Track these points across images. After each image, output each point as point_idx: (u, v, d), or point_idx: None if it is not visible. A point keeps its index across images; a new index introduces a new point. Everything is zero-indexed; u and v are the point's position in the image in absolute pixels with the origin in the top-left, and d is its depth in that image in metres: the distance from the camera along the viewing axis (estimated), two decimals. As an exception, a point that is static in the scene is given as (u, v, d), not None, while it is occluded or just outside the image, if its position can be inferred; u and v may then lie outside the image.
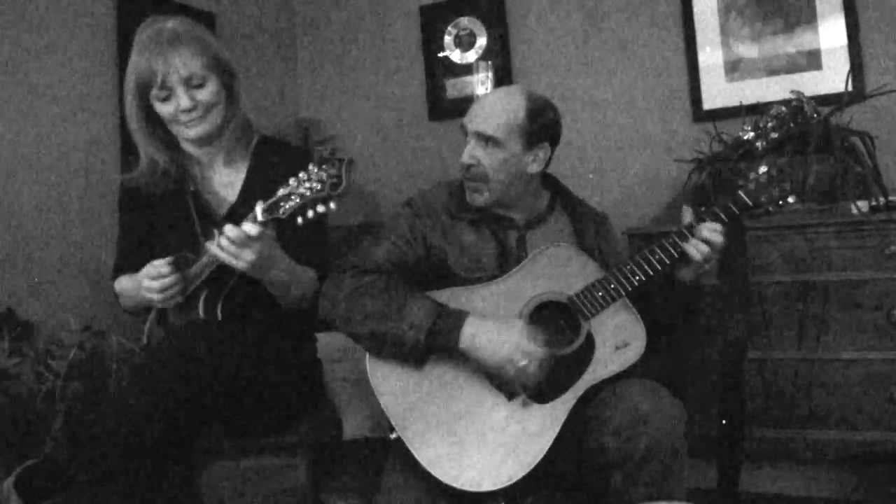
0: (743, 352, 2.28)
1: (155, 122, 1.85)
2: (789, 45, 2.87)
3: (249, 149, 1.95)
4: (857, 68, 2.73)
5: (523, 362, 1.59)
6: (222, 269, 1.71)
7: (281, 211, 1.55)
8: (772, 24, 2.89)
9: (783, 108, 2.53)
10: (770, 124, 2.51)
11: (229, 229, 1.61)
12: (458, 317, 1.62)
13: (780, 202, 1.73)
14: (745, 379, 2.32)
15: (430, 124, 3.49)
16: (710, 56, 2.98)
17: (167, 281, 1.72)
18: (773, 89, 2.81)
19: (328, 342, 2.17)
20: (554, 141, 1.85)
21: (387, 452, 1.76)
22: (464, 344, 1.61)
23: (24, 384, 2.11)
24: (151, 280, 1.73)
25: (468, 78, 3.43)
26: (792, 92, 2.59)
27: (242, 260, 1.62)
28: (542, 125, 1.80)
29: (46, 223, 2.53)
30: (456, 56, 3.45)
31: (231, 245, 1.61)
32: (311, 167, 1.52)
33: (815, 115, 2.48)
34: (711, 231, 1.67)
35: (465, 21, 3.43)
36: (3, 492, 1.76)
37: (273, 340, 1.87)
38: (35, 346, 2.22)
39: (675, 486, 1.54)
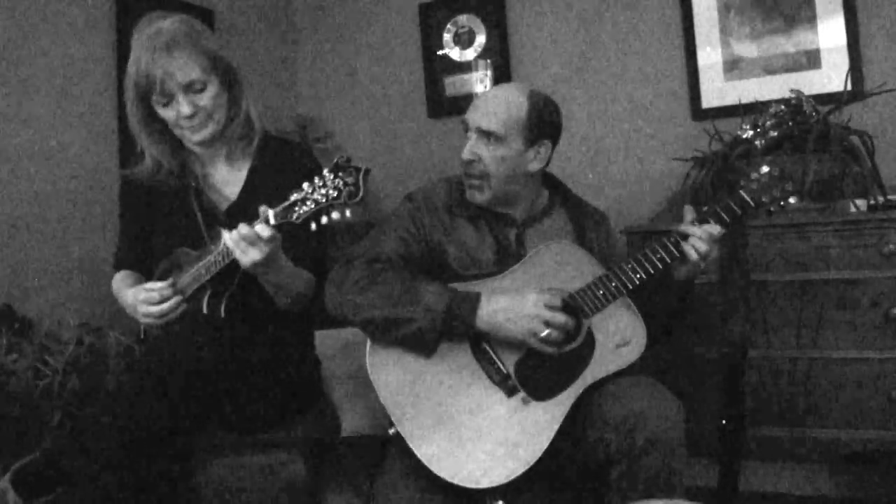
0: (744, 350, 2.29)
1: (157, 123, 1.84)
2: (789, 44, 2.87)
3: (252, 147, 1.94)
4: (856, 67, 2.73)
5: (545, 332, 1.60)
6: (225, 270, 1.71)
7: (295, 216, 1.54)
8: (771, 23, 2.89)
9: (782, 107, 2.53)
10: (769, 123, 2.51)
11: (242, 227, 1.61)
12: (473, 298, 1.63)
13: (782, 203, 1.73)
14: (745, 377, 2.32)
15: (429, 122, 3.49)
16: (710, 55, 2.98)
17: (171, 304, 1.73)
18: (773, 88, 2.81)
19: (326, 339, 2.17)
20: (555, 139, 1.85)
21: (385, 449, 1.76)
22: (481, 323, 1.61)
23: (22, 380, 2.10)
24: (153, 305, 1.73)
25: (467, 76, 3.43)
26: (791, 91, 2.59)
27: (249, 257, 1.62)
28: (543, 122, 1.80)
29: (45, 219, 2.52)
30: (455, 54, 3.45)
31: (242, 241, 1.61)
32: (326, 173, 1.51)
33: (814, 114, 2.49)
34: (710, 230, 1.67)
35: (464, 19, 3.43)
36: (0, 488, 1.75)
37: (271, 337, 1.87)
38: (33, 343, 2.22)
39: (673, 482, 1.54)
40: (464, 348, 1.67)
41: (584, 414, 1.62)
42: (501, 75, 3.32)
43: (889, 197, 2.38)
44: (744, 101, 2.80)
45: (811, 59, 2.83)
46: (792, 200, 1.72)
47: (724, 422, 2.25)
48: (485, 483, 1.54)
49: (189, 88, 1.76)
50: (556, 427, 1.59)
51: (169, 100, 1.77)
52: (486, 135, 1.77)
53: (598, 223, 1.93)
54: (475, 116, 1.78)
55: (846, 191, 2.41)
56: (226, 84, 1.84)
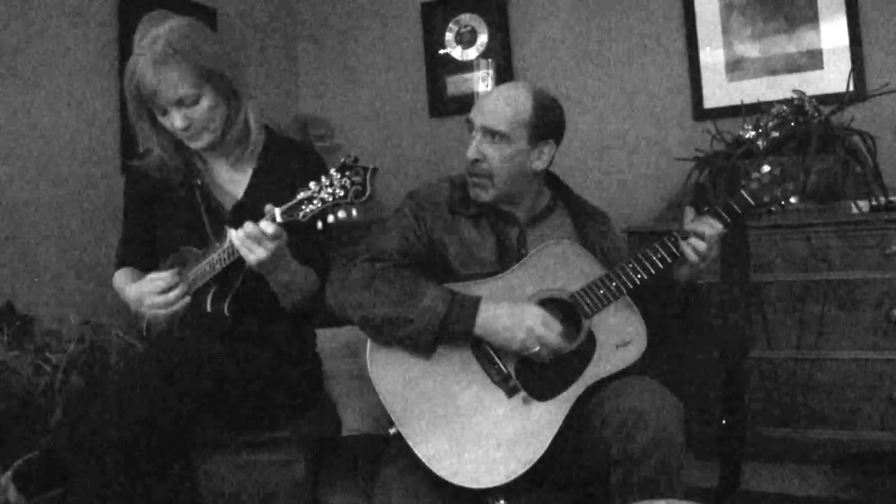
0: (745, 351, 2.29)
1: (158, 124, 1.84)
2: (791, 44, 2.87)
3: (257, 147, 1.94)
4: (858, 68, 2.73)
5: (536, 348, 1.61)
6: (230, 268, 1.71)
7: (301, 214, 1.54)
8: (773, 23, 2.89)
9: (784, 108, 2.53)
10: (771, 123, 2.51)
11: (248, 225, 1.61)
12: (473, 302, 1.63)
13: (783, 202, 1.73)
14: (746, 378, 2.32)
15: (430, 121, 3.49)
16: (712, 55, 2.98)
17: (172, 296, 1.73)
18: (775, 89, 2.81)
19: (327, 338, 2.17)
20: (558, 138, 1.85)
21: (385, 448, 1.76)
22: (479, 329, 1.62)
23: (23, 378, 2.10)
24: (158, 295, 1.73)
25: (469, 75, 3.43)
26: (793, 91, 2.59)
27: (255, 255, 1.62)
28: (548, 122, 1.80)
29: (46, 217, 2.53)
30: (457, 53, 3.45)
31: (248, 239, 1.61)
32: (333, 172, 1.51)
33: (816, 115, 2.48)
34: (709, 227, 1.67)
35: (466, 18, 3.43)
36: (1, 485, 1.76)
37: (273, 336, 1.88)
38: (34, 340, 2.22)
39: (673, 483, 1.54)
40: (464, 348, 1.67)
41: (585, 414, 1.62)
42: (503, 75, 3.32)
43: (891, 198, 2.38)
44: (746, 101, 2.80)
45: (813, 60, 2.83)
46: (793, 200, 1.72)
47: (724, 422, 2.25)
48: (485, 483, 1.54)
49: (181, 103, 1.76)
50: (556, 427, 1.59)
51: (164, 111, 1.78)
52: (492, 134, 1.76)
53: (600, 223, 1.93)
54: (481, 116, 1.78)
55: (848, 191, 2.41)
56: (222, 93, 1.82)
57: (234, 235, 1.63)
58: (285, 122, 3.49)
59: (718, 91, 2.97)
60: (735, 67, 2.95)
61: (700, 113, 2.98)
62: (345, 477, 1.89)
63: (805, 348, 2.34)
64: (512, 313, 1.62)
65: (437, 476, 1.56)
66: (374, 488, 1.67)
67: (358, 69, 3.65)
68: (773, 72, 2.89)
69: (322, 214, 1.52)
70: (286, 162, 1.92)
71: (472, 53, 3.43)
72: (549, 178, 1.94)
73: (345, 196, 1.49)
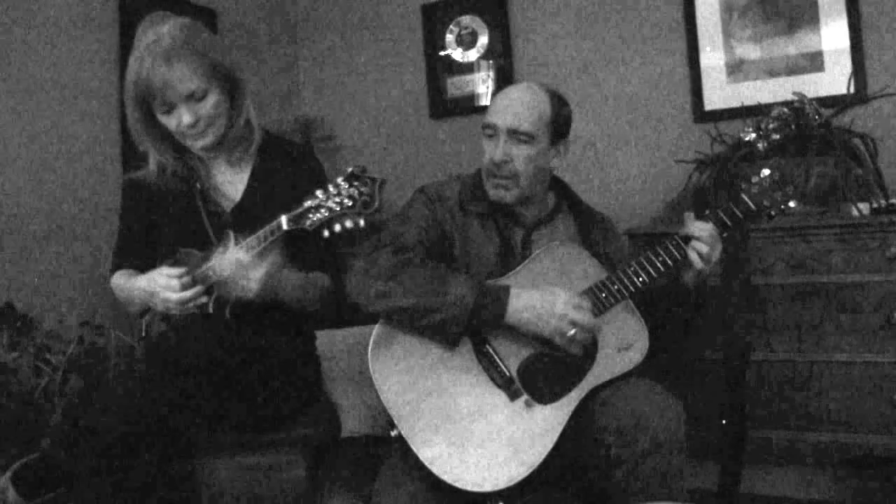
0: (745, 354, 2.28)
1: (158, 126, 1.83)
2: (791, 46, 2.87)
3: (254, 148, 1.94)
4: (859, 70, 2.73)
5: (571, 332, 1.61)
6: None
7: (308, 223, 1.54)
8: (774, 25, 2.89)
9: (785, 110, 2.53)
10: (771, 126, 2.50)
11: (219, 258, 1.63)
12: (503, 291, 1.63)
13: (783, 206, 1.73)
14: (747, 380, 2.32)
15: (431, 123, 3.49)
16: (712, 57, 2.98)
17: (188, 295, 1.72)
18: (775, 91, 2.81)
19: (328, 339, 2.17)
20: (568, 136, 1.87)
21: (385, 449, 1.75)
22: (510, 318, 1.62)
23: (23, 379, 2.10)
24: (172, 292, 1.71)
25: (469, 77, 3.43)
26: (794, 93, 2.58)
27: (243, 289, 1.64)
28: (563, 120, 1.85)
29: (46, 218, 2.52)
30: (457, 55, 3.45)
31: (226, 273, 1.62)
32: (340, 182, 1.51)
33: (816, 117, 2.48)
34: (708, 228, 1.67)
35: (466, 20, 3.43)
36: (0, 487, 1.76)
37: (272, 337, 1.87)
38: (34, 341, 2.22)
39: (675, 485, 1.54)
40: (467, 351, 1.67)
41: (587, 416, 1.62)
42: (504, 76, 3.32)
43: (892, 200, 2.38)
44: (746, 103, 2.80)
45: (814, 62, 2.83)
46: (792, 204, 1.72)
47: (725, 424, 2.25)
48: (488, 487, 1.54)
49: (190, 98, 1.75)
50: (559, 430, 1.59)
51: (170, 108, 1.76)
52: (518, 135, 1.77)
53: (604, 228, 1.93)
54: (505, 118, 1.78)
55: (848, 194, 2.41)
56: (226, 90, 1.83)
57: (215, 278, 1.64)
58: (286, 124, 3.48)
59: (719, 93, 2.97)
60: (736, 69, 2.95)
61: (700, 115, 2.98)
62: (345, 478, 1.89)
63: (806, 351, 2.34)
64: (543, 299, 1.62)
65: (438, 478, 1.55)
66: (374, 490, 1.66)
67: (359, 71, 3.65)
68: (773, 74, 2.89)
69: (329, 223, 1.52)
70: (283, 164, 1.92)
71: (472, 55, 3.43)
72: (554, 181, 1.95)
73: (353, 206, 1.50)
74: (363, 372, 1.68)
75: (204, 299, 1.74)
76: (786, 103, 2.56)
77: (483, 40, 3.41)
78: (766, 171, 1.73)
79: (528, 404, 1.62)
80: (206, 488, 1.83)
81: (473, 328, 1.64)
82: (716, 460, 2.31)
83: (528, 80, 1.93)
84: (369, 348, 1.68)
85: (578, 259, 1.77)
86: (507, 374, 1.64)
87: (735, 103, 2.87)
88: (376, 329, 1.69)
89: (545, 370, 1.65)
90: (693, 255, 1.67)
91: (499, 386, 1.64)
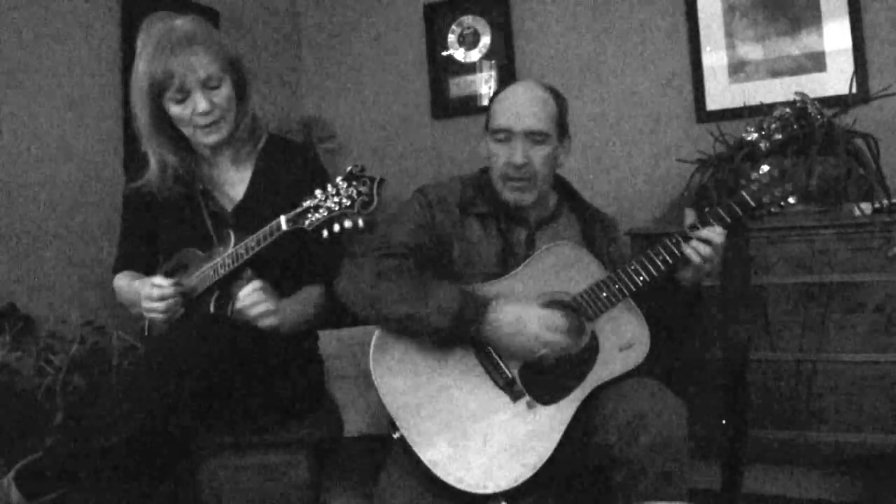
0: (746, 353, 2.28)
1: (165, 123, 1.83)
2: (793, 46, 2.86)
3: (257, 147, 1.94)
4: (861, 70, 2.73)
5: (540, 352, 1.61)
6: (233, 274, 1.71)
7: (307, 223, 1.54)
8: (776, 25, 2.89)
9: (787, 110, 2.53)
10: (774, 126, 2.50)
11: (243, 294, 1.69)
12: (483, 303, 1.63)
13: (783, 203, 1.73)
14: (748, 380, 2.32)
15: (433, 123, 3.49)
16: (714, 57, 2.98)
17: (171, 303, 1.74)
18: (777, 91, 2.81)
19: (330, 340, 2.17)
20: None
21: (388, 449, 1.76)
22: (486, 330, 1.62)
23: (26, 378, 2.11)
24: (153, 301, 1.73)
25: (472, 77, 3.43)
26: (796, 93, 2.58)
27: (269, 318, 1.70)
28: (566, 116, 1.86)
29: (49, 218, 2.53)
30: (459, 55, 3.45)
31: (251, 303, 1.68)
32: (339, 181, 1.52)
33: (818, 117, 2.48)
34: (712, 232, 1.67)
35: (468, 20, 3.43)
36: (3, 486, 1.75)
37: (275, 337, 1.87)
38: (36, 341, 2.22)
39: (676, 485, 1.54)
40: (468, 352, 1.67)
41: (588, 416, 1.62)
42: (506, 76, 3.32)
43: (894, 200, 2.38)
44: (748, 103, 2.80)
45: (816, 62, 2.83)
46: (792, 200, 1.72)
47: (726, 424, 2.25)
48: (491, 488, 1.55)
49: (206, 84, 1.76)
50: (561, 431, 1.59)
51: (185, 96, 1.76)
52: (535, 135, 1.78)
53: (608, 228, 1.94)
54: (521, 121, 1.78)
55: (851, 194, 2.41)
56: (237, 85, 1.84)
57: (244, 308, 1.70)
58: (288, 124, 3.49)
59: (721, 93, 2.96)
60: (738, 69, 2.95)
61: (702, 115, 2.98)
62: (347, 478, 1.89)
63: (807, 350, 2.33)
64: (518, 317, 1.62)
65: (440, 480, 1.55)
66: (376, 491, 1.67)
67: (360, 71, 3.65)
68: (775, 74, 2.88)
69: (328, 223, 1.52)
70: (285, 163, 1.93)
71: (474, 55, 3.43)
72: (556, 181, 1.95)
73: (351, 206, 1.50)
74: (366, 372, 1.68)
75: (181, 310, 1.76)
76: (788, 103, 2.56)
77: (485, 40, 3.40)
78: (765, 168, 1.74)
79: (529, 405, 1.62)
80: (209, 488, 1.84)
81: (454, 338, 1.64)
82: (717, 460, 2.30)
83: (524, 79, 1.93)
84: (370, 351, 1.68)
85: (579, 258, 1.77)
86: (509, 375, 1.65)
87: (737, 103, 2.87)
88: (377, 332, 1.70)
89: (546, 371, 1.65)
90: (691, 252, 1.67)
91: (500, 387, 1.64)
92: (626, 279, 1.70)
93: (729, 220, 1.71)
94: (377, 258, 1.72)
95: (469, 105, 3.40)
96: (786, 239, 2.36)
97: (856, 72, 2.71)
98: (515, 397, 1.63)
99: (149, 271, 1.94)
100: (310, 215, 1.54)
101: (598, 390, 1.64)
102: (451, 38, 3.46)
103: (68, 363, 2.16)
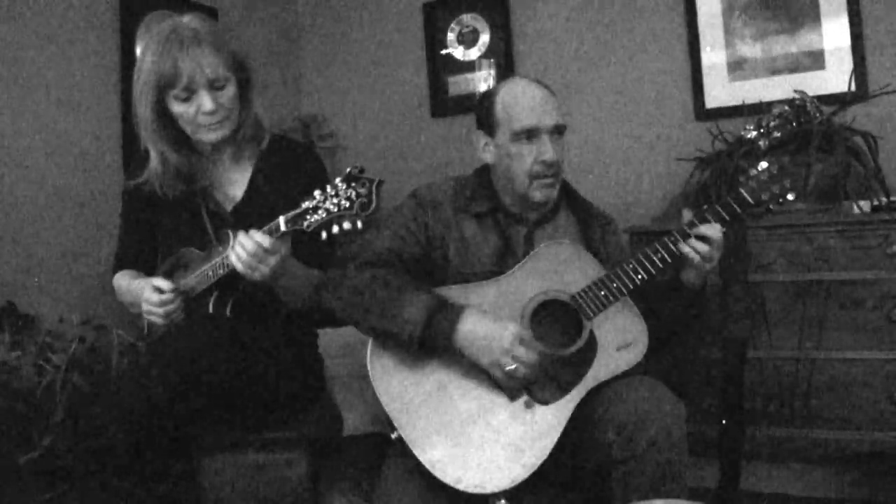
0: (744, 351, 2.28)
1: (167, 120, 1.83)
2: (793, 44, 2.86)
3: (259, 148, 1.94)
4: (860, 68, 2.73)
5: (511, 367, 1.58)
6: (232, 274, 1.71)
7: (306, 224, 1.54)
8: (775, 23, 2.89)
9: (786, 108, 2.53)
10: (773, 123, 2.50)
11: (247, 243, 1.61)
12: (455, 314, 1.61)
13: (781, 199, 1.72)
14: (746, 378, 2.32)
15: (432, 121, 3.49)
16: (714, 55, 2.98)
17: (171, 308, 1.74)
18: (776, 89, 2.81)
19: (329, 338, 2.17)
20: None
21: (387, 448, 1.76)
22: (458, 343, 1.60)
23: (25, 377, 2.11)
24: (154, 306, 1.73)
25: (470, 75, 3.43)
26: (795, 91, 2.58)
27: (258, 272, 1.63)
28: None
29: (48, 217, 2.53)
30: (458, 53, 3.45)
31: (246, 256, 1.61)
32: (338, 183, 1.51)
33: (817, 115, 2.48)
34: (710, 229, 1.67)
35: (467, 18, 3.43)
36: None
37: (275, 336, 1.87)
38: (36, 340, 2.23)
39: (675, 484, 1.54)
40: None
41: (587, 415, 1.62)
42: (505, 75, 3.31)
43: (892, 198, 2.38)
44: (747, 101, 2.80)
45: (815, 60, 2.83)
46: (790, 197, 1.72)
47: (724, 421, 2.25)
48: (490, 488, 1.54)
49: (213, 84, 1.76)
50: (559, 430, 1.59)
51: (190, 94, 1.76)
52: (559, 129, 1.79)
53: (604, 225, 1.93)
54: (547, 116, 1.77)
55: (849, 192, 2.41)
56: (241, 85, 1.84)
57: (235, 260, 1.63)
58: (287, 122, 3.49)
59: (720, 91, 2.96)
60: (737, 67, 2.95)
61: (702, 113, 2.98)
62: (346, 477, 1.89)
63: (806, 348, 2.33)
64: (491, 329, 1.60)
65: (439, 480, 1.56)
66: (375, 491, 1.67)
67: (360, 69, 3.65)
68: (774, 72, 2.88)
69: (327, 225, 1.52)
70: (285, 163, 1.92)
71: (473, 53, 3.43)
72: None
73: (350, 208, 1.49)
74: (364, 371, 1.68)
75: (181, 314, 1.76)
76: (787, 101, 2.56)
77: (484, 39, 3.40)
78: (763, 165, 1.73)
79: (527, 405, 1.62)
80: (208, 487, 1.84)
81: (428, 348, 1.63)
82: (715, 457, 2.31)
83: (519, 76, 1.92)
84: (368, 351, 1.68)
85: (577, 257, 1.76)
86: (507, 374, 1.64)
87: (736, 101, 2.87)
88: None
89: (545, 370, 1.65)
90: (690, 251, 1.67)
91: (498, 387, 1.64)
92: (624, 278, 1.70)
93: (727, 217, 1.70)
94: (358, 267, 1.71)
95: (468, 103, 3.39)
96: (784, 236, 2.37)
97: (855, 70, 2.71)
98: (513, 397, 1.62)
99: (148, 270, 1.94)
100: (309, 216, 1.54)
101: (596, 389, 1.63)
102: (451, 36, 3.46)
103: (68, 362, 2.16)
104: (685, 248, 1.68)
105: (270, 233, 1.63)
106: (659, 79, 3.08)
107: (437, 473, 1.56)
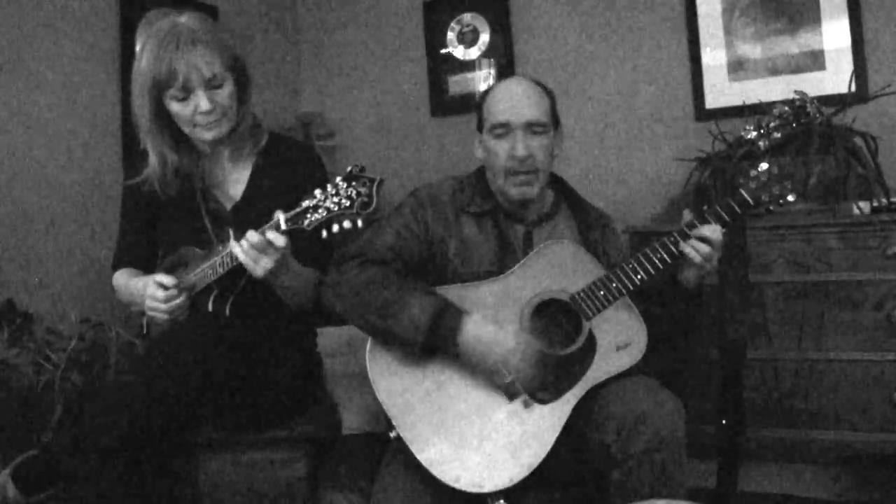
0: (743, 351, 2.28)
1: (165, 120, 1.82)
2: (793, 45, 2.86)
3: (258, 147, 1.94)
4: (860, 69, 2.73)
5: (508, 378, 1.58)
6: (232, 271, 1.71)
7: (306, 223, 1.54)
8: (775, 23, 2.89)
9: (786, 108, 2.53)
10: (773, 124, 2.50)
11: (252, 235, 1.61)
12: (459, 317, 1.61)
13: (781, 200, 1.72)
14: (745, 378, 2.32)
15: (432, 120, 3.49)
16: (714, 55, 2.98)
17: (175, 304, 1.73)
18: (776, 89, 2.81)
19: (328, 337, 2.17)
20: None
21: (385, 447, 1.75)
22: (460, 346, 1.60)
23: (24, 375, 2.11)
24: (159, 302, 1.73)
25: (471, 74, 3.43)
26: (795, 92, 2.58)
27: (260, 266, 1.63)
28: (556, 106, 1.86)
29: (47, 215, 2.53)
30: (459, 52, 3.45)
31: (252, 250, 1.61)
32: (338, 182, 1.51)
33: (817, 116, 2.48)
34: (710, 230, 1.67)
35: (468, 17, 3.43)
36: (0, 482, 1.76)
37: (273, 335, 1.87)
38: (35, 338, 2.22)
39: (674, 484, 1.54)
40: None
41: (585, 415, 1.62)
42: (505, 74, 3.31)
43: (892, 199, 2.38)
44: (748, 102, 2.80)
45: (815, 61, 2.83)
46: (791, 198, 1.72)
47: (723, 422, 2.25)
48: (488, 487, 1.54)
49: (210, 83, 1.76)
50: (558, 430, 1.59)
51: (187, 94, 1.76)
52: (534, 127, 1.78)
53: (603, 226, 1.93)
54: (520, 113, 1.78)
55: (849, 192, 2.41)
56: (238, 84, 1.84)
57: (238, 249, 1.63)
58: (287, 122, 3.48)
59: (720, 92, 2.96)
60: (737, 68, 2.95)
61: (702, 113, 2.98)
62: (345, 476, 1.89)
63: (805, 349, 2.33)
64: (494, 336, 1.60)
65: (438, 480, 1.55)
66: (374, 489, 1.66)
67: (360, 68, 3.65)
68: (775, 72, 2.88)
69: (327, 224, 1.52)
70: (284, 160, 1.92)
71: (473, 53, 3.43)
72: (552, 178, 1.95)
73: (350, 207, 1.49)
74: (363, 370, 1.68)
75: (186, 312, 1.75)
76: (787, 102, 2.56)
77: (484, 38, 3.40)
78: (764, 166, 1.73)
79: (526, 404, 1.62)
80: (207, 485, 1.84)
81: (430, 350, 1.63)
82: (713, 458, 2.31)
83: (517, 76, 1.93)
84: (367, 350, 1.68)
85: (575, 257, 1.76)
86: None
87: (736, 102, 2.87)
88: None
89: (543, 370, 1.65)
90: (690, 251, 1.67)
91: (497, 386, 1.64)
92: (624, 278, 1.70)
93: (728, 218, 1.70)
94: (360, 266, 1.71)
95: (468, 103, 3.39)
96: (784, 237, 2.37)
97: (855, 70, 2.71)
98: (512, 396, 1.62)
99: (148, 268, 1.94)
100: (309, 215, 1.53)
101: (595, 389, 1.63)
102: (451, 35, 3.46)
103: (66, 360, 2.16)
104: (685, 249, 1.68)
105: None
106: (659, 79, 3.08)
107: (436, 472, 1.56)
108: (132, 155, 1.95)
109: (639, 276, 1.69)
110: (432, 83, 3.48)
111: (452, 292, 1.69)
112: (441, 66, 3.47)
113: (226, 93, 1.79)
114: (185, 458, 1.83)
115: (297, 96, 3.72)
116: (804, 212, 2.41)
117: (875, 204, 2.38)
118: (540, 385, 1.62)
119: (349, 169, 1.51)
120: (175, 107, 1.78)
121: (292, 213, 1.56)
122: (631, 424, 1.53)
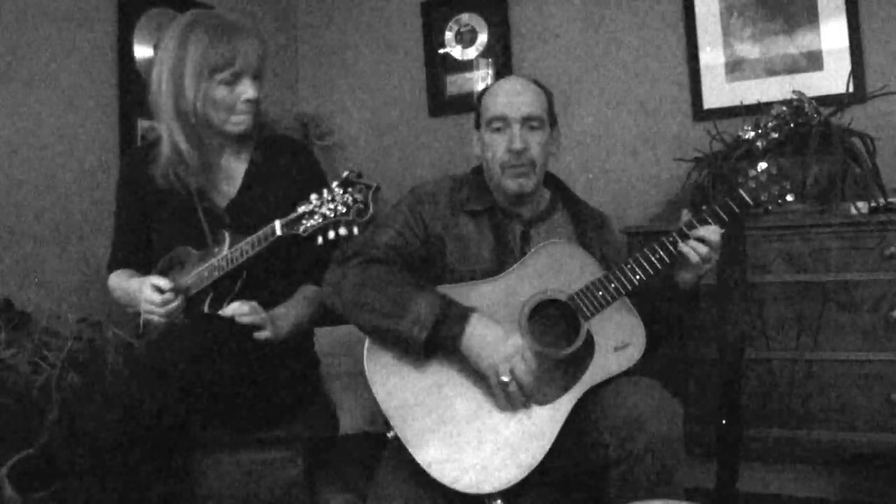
0: (741, 352, 2.28)
1: (190, 110, 1.82)
2: (790, 45, 2.86)
3: (253, 144, 1.94)
4: (857, 69, 2.73)
5: (506, 378, 1.58)
6: (228, 275, 1.70)
7: (301, 229, 1.54)
8: (773, 24, 2.89)
9: (784, 109, 2.53)
10: (770, 124, 2.50)
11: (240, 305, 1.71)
12: (463, 317, 1.60)
13: (780, 200, 1.72)
14: (743, 379, 2.32)
15: (430, 120, 3.48)
16: (711, 56, 2.98)
17: (172, 307, 1.74)
18: (774, 90, 2.81)
19: (325, 337, 2.17)
20: None
21: (383, 448, 1.75)
22: (463, 346, 1.60)
23: (21, 375, 2.10)
24: (155, 305, 1.73)
25: (469, 74, 3.42)
26: (793, 92, 2.58)
27: (262, 336, 1.71)
28: (553, 105, 1.88)
29: (44, 214, 2.52)
30: (457, 52, 3.45)
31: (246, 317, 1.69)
32: (335, 187, 1.51)
33: (815, 116, 2.48)
34: (708, 230, 1.67)
35: (466, 17, 3.43)
36: (-3, 482, 1.76)
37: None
38: (32, 337, 2.22)
39: (672, 484, 1.54)
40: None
41: (584, 416, 1.61)
42: (503, 74, 3.31)
43: (890, 199, 2.38)
44: (745, 102, 2.80)
45: (813, 61, 2.83)
46: (789, 198, 1.72)
47: (722, 422, 2.25)
48: (486, 488, 1.54)
49: (256, 73, 1.79)
50: (556, 431, 1.59)
51: (235, 80, 1.78)
52: (531, 121, 1.80)
53: (601, 225, 1.93)
54: (517, 108, 1.79)
55: (847, 193, 2.41)
56: (264, 80, 1.86)
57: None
58: (285, 121, 3.48)
59: (718, 92, 2.96)
60: (735, 68, 2.95)
61: (699, 113, 2.98)
62: (342, 476, 1.89)
63: (803, 349, 2.33)
64: (497, 336, 1.59)
65: (436, 480, 1.55)
66: (371, 490, 1.66)
67: (357, 68, 3.64)
68: (772, 73, 2.89)
69: (323, 230, 1.52)
70: (280, 160, 1.92)
71: (471, 53, 3.42)
72: (549, 178, 1.95)
73: (346, 213, 1.49)
74: (361, 370, 1.68)
75: (182, 315, 1.75)
76: (785, 102, 2.56)
77: (482, 38, 3.40)
78: (762, 165, 1.73)
79: (524, 405, 1.61)
80: (204, 485, 1.84)
81: (433, 349, 1.63)
82: (712, 458, 2.31)
83: (515, 75, 1.94)
84: (365, 350, 1.67)
85: (574, 257, 1.76)
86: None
87: (734, 102, 2.87)
88: None
89: (542, 370, 1.64)
90: (689, 251, 1.67)
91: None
92: (622, 278, 1.69)
93: (726, 218, 1.70)
94: (361, 265, 1.70)
95: (466, 102, 3.39)
96: (782, 237, 2.37)
97: (853, 71, 2.71)
98: (510, 396, 1.62)
99: (143, 269, 1.93)
100: (304, 221, 1.53)
101: (593, 390, 1.63)
102: (449, 35, 3.46)
103: (63, 360, 2.15)
104: (684, 249, 1.67)
105: (266, 237, 1.63)
106: (657, 79, 3.08)
107: (434, 473, 1.55)
108: (128, 150, 1.95)
109: (637, 277, 1.69)
110: (430, 83, 3.48)
111: (452, 291, 1.69)
112: (439, 66, 3.47)
113: (261, 85, 1.82)
114: (182, 458, 1.83)
115: (295, 96, 3.72)
116: (802, 212, 2.41)
117: (873, 204, 2.38)
118: (538, 386, 1.62)
119: (345, 174, 1.51)
120: (221, 91, 1.79)
121: (287, 219, 1.56)
122: (629, 425, 1.53)
